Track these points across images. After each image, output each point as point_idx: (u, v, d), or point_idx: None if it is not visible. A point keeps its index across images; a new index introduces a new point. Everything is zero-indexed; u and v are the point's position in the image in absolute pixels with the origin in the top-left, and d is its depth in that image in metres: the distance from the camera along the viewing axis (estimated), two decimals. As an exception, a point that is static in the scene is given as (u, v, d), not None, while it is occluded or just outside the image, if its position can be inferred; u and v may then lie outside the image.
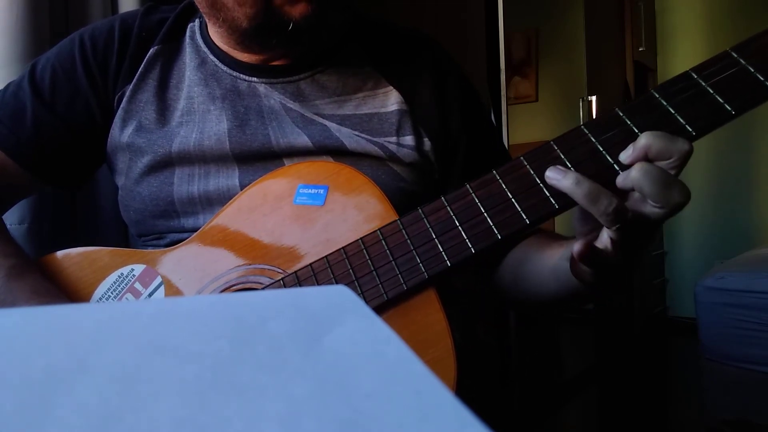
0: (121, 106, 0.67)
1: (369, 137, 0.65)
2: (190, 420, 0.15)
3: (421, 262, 0.52)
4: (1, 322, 0.19)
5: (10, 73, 0.81)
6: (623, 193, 0.47)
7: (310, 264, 0.55)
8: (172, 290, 0.59)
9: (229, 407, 0.16)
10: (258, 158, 0.64)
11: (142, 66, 0.68)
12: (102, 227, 0.89)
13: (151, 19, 0.71)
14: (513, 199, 0.50)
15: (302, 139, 0.64)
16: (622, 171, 0.47)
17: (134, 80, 0.67)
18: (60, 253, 0.64)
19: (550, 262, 0.58)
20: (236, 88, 0.67)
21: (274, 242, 0.57)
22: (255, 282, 0.57)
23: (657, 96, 0.48)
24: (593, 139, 0.49)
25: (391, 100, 0.67)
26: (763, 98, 0.46)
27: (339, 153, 0.64)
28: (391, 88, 0.68)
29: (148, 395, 0.16)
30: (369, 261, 0.53)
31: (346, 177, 0.57)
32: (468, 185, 0.52)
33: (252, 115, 0.66)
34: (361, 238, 0.54)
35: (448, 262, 0.51)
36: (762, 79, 0.46)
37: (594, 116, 2.70)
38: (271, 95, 0.67)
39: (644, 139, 0.45)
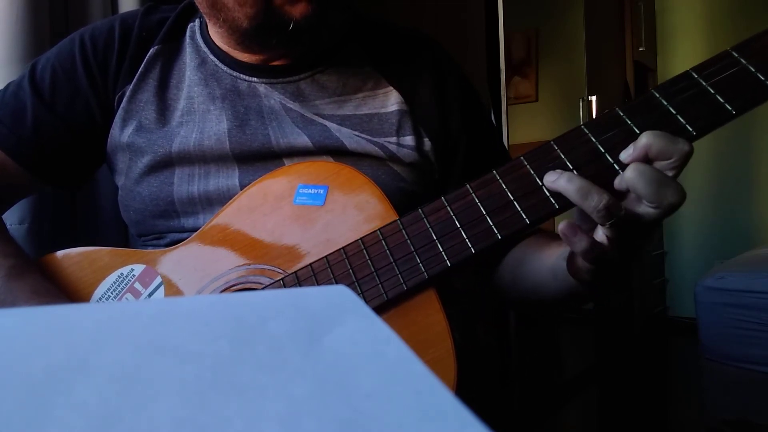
0: (121, 106, 0.67)
1: (369, 137, 0.65)
2: (190, 420, 0.15)
3: (421, 262, 0.52)
4: (1, 322, 0.19)
5: (10, 73, 0.81)
6: (621, 194, 0.47)
7: (310, 264, 0.55)
8: (172, 290, 0.59)
9: (229, 407, 0.16)
10: (258, 158, 0.64)
11: (142, 66, 0.68)
12: (102, 227, 0.89)
13: (151, 19, 0.71)
14: (513, 199, 0.50)
15: (302, 139, 0.64)
16: (622, 171, 0.47)
17: (134, 80, 0.67)
18: (60, 253, 0.64)
19: (549, 261, 0.58)
20: (236, 88, 0.67)
21: (274, 242, 0.57)
22: (255, 282, 0.57)
23: (657, 96, 0.48)
24: (593, 139, 0.49)
25: (391, 100, 0.67)
26: (763, 98, 0.46)
27: (339, 153, 0.64)
28: (391, 88, 0.68)
29: (148, 395, 0.16)
30: (369, 261, 0.53)
31: (346, 177, 0.57)
32: (468, 185, 0.52)
33: (252, 115, 0.66)
34: (361, 238, 0.54)
35: (448, 262, 0.51)
36: (763, 78, 0.46)
37: (594, 116, 2.70)
38: (271, 95, 0.67)
39: (645, 139, 0.45)
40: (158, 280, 0.60)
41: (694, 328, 2.08)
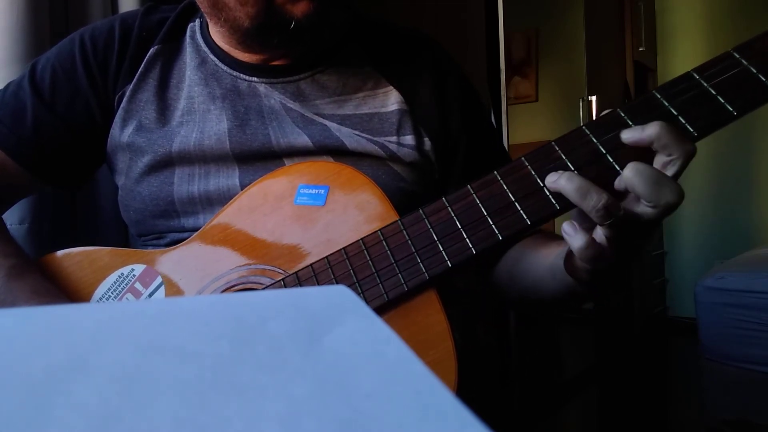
0: (122, 105, 0.67)
1: (369, 137, 0.65)
2: (190, 420, 0.15)
3: (421, 262, 0.52)
4: (1, 322, 0.19)
5: (10, 73, 0.81)
6: (620, 194, 0.47)
7: (311, 264, 0.54)
8: (173, 290, 0.59)
9: (229, 407, 0.16)
10: (258, 158, 0.64)
11: (142, 66, 0.68)
12: (102, 227, 0.89)
13: (151, 18, 0.71)
14: (514, 200, 0.50)
15: (302, 139, 0.64)
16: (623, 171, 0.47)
17: (134, 80, 0.67)
18: (60, 253, 0.64)
19: (547, 261, 0.58)
20: (236, 88, 0.67)
21: (274, 242, 0.57)
22: (255, 282, 0.57)
23: (658, 96, 0.48)
24: (594, 140, 0.49)
25: (391, 100, 0.67)
26: (764, 99, 0.46)
27: (339, 153, 0.64)
28: (391, 87, 0.68)
29: (148, 395, 0.16)
30: (370, 262, 0.53)
31: (346, 177, 0.56)
32: (469, 186, 0.52)
33: (252, 114, 0.66)
34: (362, 239, 0.54)
35: (449, 262, 0.51)
36: (764, 80, 0.46)
37: (594, 116, 2.70)
38: (271, 95, 0.67)
39: (656, 128, 0.45)
40: (159, 280, 0.60)
41: (694, 328, 2.08)
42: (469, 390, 0.50)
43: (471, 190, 0.52)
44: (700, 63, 0.48)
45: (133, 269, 0.61)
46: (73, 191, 0.87)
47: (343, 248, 0.54)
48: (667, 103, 0.48)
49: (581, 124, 0.51)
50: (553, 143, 0.50)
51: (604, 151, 0.48)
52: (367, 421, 0.16)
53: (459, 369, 0.50)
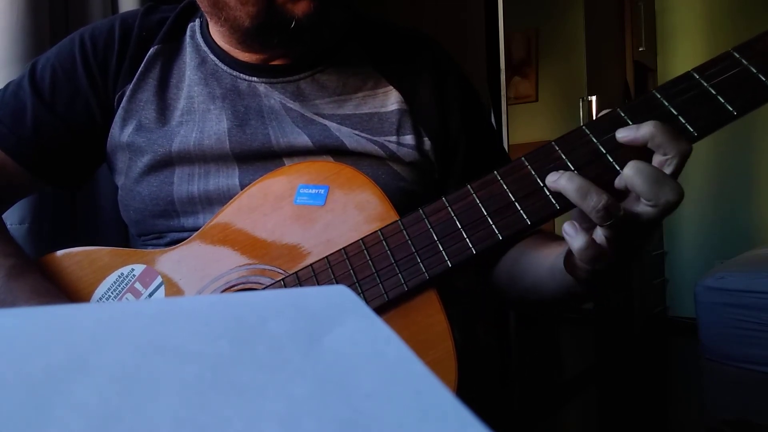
0: (121, 105, 0.67)
1: (369, 137, 0.65)
2: (190, 420, 0.15)
3: (422, 262, 0.52)
4: (1, 322, 0.19)
5: (10, 73, 0.81)
6: (621, 194, 0.47)
7: (311, 264, 0.54)
8: (173, 290, 0.59)
9: (229, 407, 0.16)
10: (258, 158, 0.64)
11: (142, 65, 0.68)
12: (102, 227, 0.89)
13: (151, 18, 0.71)
14: (514, 200, 0.50)
15: (302, 139, 0.64)
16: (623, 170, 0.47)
17: (134, 80, 0.67)
18: (60, 253, 0.64)
19: (547, 260, 0.58)
20: (236, 88, 0.67)
21: (274, 242, 0.57)
22: (255, 282, 0.57)
23: (658, 96, 0.48)
24: (594, 140, 0.49)
25: (391, 100, 0.67)
26: (764, 99, 0.46)
27: (339, 153, 0.64)
28: (391, 87, 0.68)
29: (148, 395, 0.16)
30: (370, 262, 0.53)
31: (346, 177, 0.56)
32: (469, 186, 0.52)
33: (252, 114, 0.66)
34: (361, 239, 0.54)
35: (449, 262, 0.51)
36: (764, 79, 0.46)
37: (594, 116, 2.70)
38: (271, 95, 0.67)
39: (650, 127, 0.45)
40: (158, 280, 0.60)
41: (694, 328, 2.08)
42: (469, 390, 0.50)
43: (471, 190, 0.52)
44: (700, 63, 0.48)
45: (132, 269, 0.61)
46: (73, 191, 0.87)
47: (343, 248, 0.54)
48: (667, 103, 0.48)
49: (581, 124, 0.51)
50: (553, 143, 0.50)
51: (604, 151, 0.48)
52: (367, 421, 0.16)
53: (459, 369, 0.50)
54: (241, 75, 0.67)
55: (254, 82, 0.67)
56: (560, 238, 0.62)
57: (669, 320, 3.59)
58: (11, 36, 0.83)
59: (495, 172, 0.51)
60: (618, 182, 0.47)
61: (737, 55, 0.47)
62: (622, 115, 0.49)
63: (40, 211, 0.84)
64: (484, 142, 0.73)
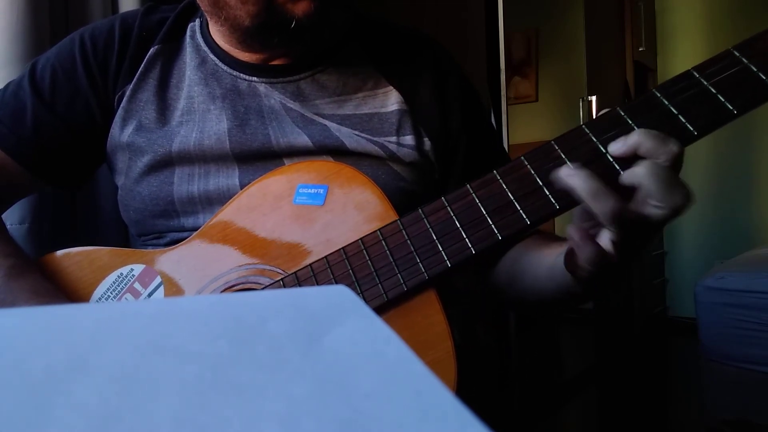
0: (122, 105, 0.67)
1: (369, 137, 0.65)
2: (190, 420, 0.15)
3: (421, 262, 0.51)
4: (1, 322, 0.19)
5: (10, 73, 0.81)
6: (626, 194, 0.47)
7: (310, 264, 0.54)
8: (172, 290, 0.59)
9: (229, 407, 0.16)
10: (258, 158, 0.64)
11: (142, 66, 0.68)
12: (102, 227, 0.89)
13: (151, 18, 0.71)
14: (514, 200, 0.50)
15: (302, 139, 0.64)
16: (623, 170, 0.47)
17: (134, 80, 0.67)
18: (60, 253, 0.64)
19: (547, 261, 0.58)
20: (236, 88, 0.67)
21: (273, 242, 0.57)
22: (255, 282, 0.57)
23: (658, 95, 0.48)
24: (594, 139, 0.49)
25: (391, 100, 0.67)
26: (764, 98, 0.46)
27: (339, 153, 0.64)
28: (392, 87, 0.68)
29: (148, 395, 0.16)
30: (369, 261, 0.53)
31: (346, 177, 0.56)
32: (469, 185, 0.52)
33: (252, 114, 0.66)
34: (361, 239, 0.53)
35: (448, 262, 0.51)
36: (764, 78, 0.45)
37: (594, 116, 2.69)
38: (271, 95, 0.67)
39: (636, 136, 0.46)
40: (158, 280, 0.60)
41: (694, 328, 2.08)
42: (469, 390, 0.50)
43: (470, 190, 0.52)
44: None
45: (132, 269, 0.61)
46: (73, 191, 0.87)
47: (342, 248, 0.54)
48: (667, 102, 0.48)
49: (581, 124, 0.50)
50: (552, 142, 0.50)
51: (603, 151, 0.48)
52: (367, 421, 0.16)
53: (459, 369, 0.50)
54: (241, 75, 0.67)
55: (254, 82, 0.67)
56: (560, 238, 0.62)
57: (669, 320, 3.59)
58: (11, 36, 0.83)
59: (494, 171, 0.51)
60: (629, 179, 0.46)
61: (737, 54, 0.47)
62: (622, 114, 0.49)
63: (40, 211, 0.84)
64: (485, 142, 0.73)
